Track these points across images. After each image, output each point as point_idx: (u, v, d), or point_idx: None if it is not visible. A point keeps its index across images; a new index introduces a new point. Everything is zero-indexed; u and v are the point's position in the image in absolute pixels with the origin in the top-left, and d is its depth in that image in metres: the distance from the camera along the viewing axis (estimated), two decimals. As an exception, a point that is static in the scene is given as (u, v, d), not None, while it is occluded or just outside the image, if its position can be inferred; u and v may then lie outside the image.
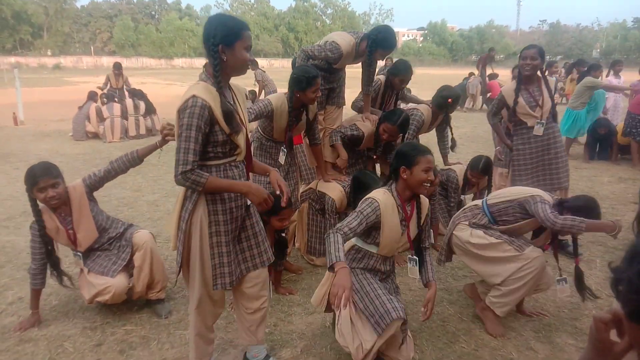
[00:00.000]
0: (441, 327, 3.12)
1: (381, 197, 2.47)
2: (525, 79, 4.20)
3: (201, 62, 55.41)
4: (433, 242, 4.28)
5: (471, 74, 16.27)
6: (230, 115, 2.17)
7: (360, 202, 2.50)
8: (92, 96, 10.47)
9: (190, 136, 2.09)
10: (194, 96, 2.10)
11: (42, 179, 2.96)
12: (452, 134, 4.70)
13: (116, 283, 3.08)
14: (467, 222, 3.17)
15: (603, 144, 8.12)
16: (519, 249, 2.91)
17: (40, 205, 3.05)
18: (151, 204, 5.73)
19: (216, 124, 2.14)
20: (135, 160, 3.23)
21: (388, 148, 4.22)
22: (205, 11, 75.00)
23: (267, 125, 3.58)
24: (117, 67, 11.41)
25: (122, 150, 8.67)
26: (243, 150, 2.31)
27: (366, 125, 4.04)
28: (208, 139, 2.18)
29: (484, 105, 15.17)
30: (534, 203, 2.89)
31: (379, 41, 3.84)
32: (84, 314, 3.27)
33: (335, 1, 70.43)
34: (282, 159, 3.66)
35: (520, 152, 4.35)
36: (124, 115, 10.11)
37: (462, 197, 4.54)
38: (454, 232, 3.20)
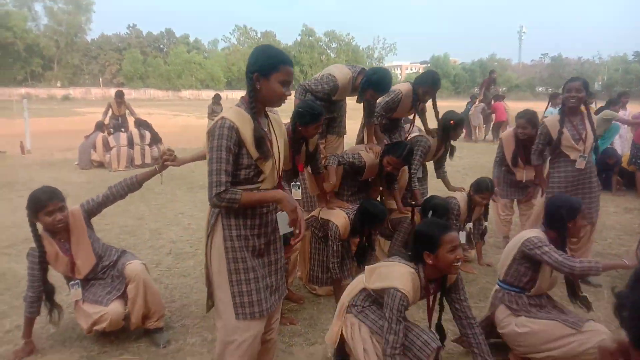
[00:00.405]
0: None
1: (409, 286, 2.35)
2: (569, 111, 4.11)
3: (208, 94, 55.90)
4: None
5: (473, 96, 16.43)
6: (261, 140, 2.15)
7: (390, 296, 2.34)
8: (99, 126, 10.61)
9: (221, 157, 2.08)
10: (222, 118, 2.11)
11: (51, 202, 2.96)
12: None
13: (111, 310, 3.04)
14: (504, 309, 2.91)
15: (608, 174, 8.10)
16: (574, 326, 2.62)
17: (40, 231, 3.03)
18: (153, 231, 5.71)
19: (243, 146, 2.13)
20: (134, 185, 3.26)
21: (390, 178, 4.19)
22: (213, 45, 76.44)
23: None
24: (119, 95, 11.50)
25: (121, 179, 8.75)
26: (268, 178, 2.24)
27: (369, 156, 4.02)
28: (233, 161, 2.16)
29: (488, 135, 15.24)
30: (533, 251, 2.76)
31: (373, 82, 3.83)
32: (81, 343, 3.21)
33: (340, 35, 71.70)
34: (297, 194, 3.70)
35: (555, 184, 4.22)
36: (130, 144, 10.21)
37: (467, 224, 4.56)
38: (500, 331, 2.91)
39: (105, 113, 11.40)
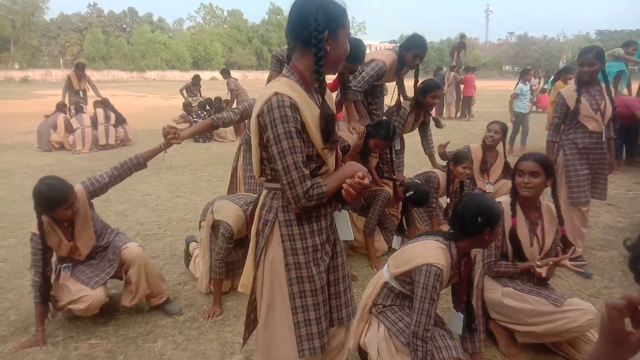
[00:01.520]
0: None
1: (443, 261, 2.24)
2: (586, 83, 3.93)
3: (174, 74, 54.59)
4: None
5: (437, 69, 16.56)
6: (330, 122, 1.73)
7: (422, 274, 2.21)
8: (60, 107, 10.18)
9: (295, 146, 1.65)
10: (276, 94, 1.64)
11: (68, 196, 2.83)
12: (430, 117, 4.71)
13: (94, 294, 2.95)
14: (489, 280, 2.87)
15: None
16: (555, 302, 2.58)
17: (44, 218, 2.87)
18: (120, 213, 5.52)
19: (305, 132, 1.69)
20: (142, 164, 3.20)
21: (365, 152, 4.10)
22: (178, 24, 74.55)
23: None
24: (80, 67, 10.94)
25: (90, 161, 8.50)
26: (330, 170, 1.82)
27: (353, 138, 3.82)
28: None
29: (458, 114, 15.34)
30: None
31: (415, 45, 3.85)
32: (45, 328, 3.07)
33: (308, 14, 70.97)
34: None
35: (568, 154, 4.02)
36: (94, 125, 9.83)
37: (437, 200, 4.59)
38: (486, 295, 2.87)
39: (66, 88, 10.85)
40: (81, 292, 2.95)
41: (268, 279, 1.86)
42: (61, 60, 58.36)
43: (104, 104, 10.33)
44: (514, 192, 2.82)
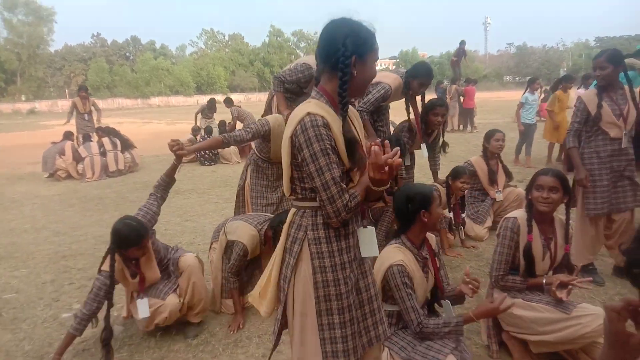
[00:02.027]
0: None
1: (402, 257, 2.33)
2: (606, 88, 3.76)
3: (177, 100, 54.91)
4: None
5: (438, 82, 16.68)
6: (354, 144, 1.77)
7: (387, 274, 2.31)
8: (67, 136, 10.31)
9: (331, 162, 1.69)
10: (309, 114, 1.70)
11: (144, 239, 2.96)
12: (443, 137, 4.76)
13: (168, 302, 3.14)
14: (498, 292, 2.85)
15: None
16: (565, 310, 2.57)
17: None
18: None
19: (336, 151, 1.74)
20: (172, 182, 3.35)
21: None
22: (181, 50, 75.50)
23: (263, 146, 3.62)
24: (84, 88, 11.09)
25: (98, 189, 8.57)
26: (356, 187, 1.85)
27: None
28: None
29: (461, 126, 15.37)
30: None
31: (418, 74, 3.93)
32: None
33: (308, 34, 71.64)
34: None
35: (589, 164, 3.84)
36: (103, 152, 9.91)
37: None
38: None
39: (71, 113, 11.01)
40: (155, 304, 3.12)
41: (300, 297, 1.87)
42: (67, 90, 59.12)
43: (108, 132, 10.45)
44: (530, 207, 2.79)
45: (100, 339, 2.86)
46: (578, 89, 9.41)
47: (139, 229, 2.94)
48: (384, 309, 2.36)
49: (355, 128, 1.88)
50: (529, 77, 12.20)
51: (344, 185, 1.73)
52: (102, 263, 2.98)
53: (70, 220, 6.53)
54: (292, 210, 1.94)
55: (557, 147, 9.03)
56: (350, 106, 1.87)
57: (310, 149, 1.68)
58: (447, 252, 4.53)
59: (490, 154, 5.06)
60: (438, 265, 2.53)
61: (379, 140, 1.83)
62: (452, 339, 2.36)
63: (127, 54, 69.37)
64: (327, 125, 1.70)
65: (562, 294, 2.59)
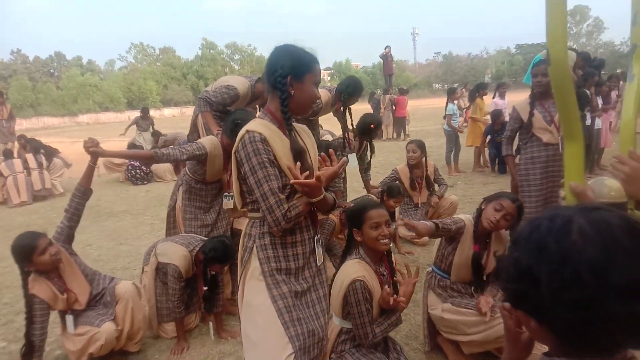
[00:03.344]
0: None
1: (362, 271, 2.32)
2: (539, 95, 3.97)
3: (107, 116, 52.64)
4: None
5: (371, 93, 17.28)
6: (301, 154, 1.94)
7: (348, 290, 2.28)
8: None
9: (269, 174, 1.84)
10: (247, 132, 1.86)
11: (39, 240, 2.87)
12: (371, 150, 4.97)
13: (104, 329, 2.99)
14: (433, 295, 3.01)
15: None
16: (492, 313, 2.69)
17: (33, 277, 2.91)
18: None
19: (275, 164, 1.89)
20: (87, 193, 3.21)
21: None
22: (110, 65, 72.98)
23: (197, 168, 3.58)
24: (0, 94, 10.45)
25: (24, 216, 8.12)
26: (303, 197, 1.96)
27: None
28: None
29: (394, 135, 15.83)
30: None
31: (350, 93, 4.12)
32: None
33: (242, 47, 71.36)
34: (229, 204, 3.71)
35: (526, 169, 4.03)
36: (27, 170, 9.26)
37: None
38: (430, 312, 3.00)
39: None
40: (90, 332, 3.00)
41: (246, 303, 2.02)
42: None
43: (30, 142, 9.84)
44: (478, 218, 2.84)
45: (20, 354, 2.85)
46: (493, 98, 9.92)
47: (30, 232, 2.95)
48: (344, 326, 2.40)
49: (303, 140, 2.05)
50: (448, 87, 12.76)
51: (282, 196, 1.86)
52: (26, 289, 2.89)
53: (-7, 251, 6.14)
54: (247, 222, 2.09)
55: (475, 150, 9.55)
56: (300, 125, 2.11)
57: (249, 163, 1.84)
58: (405, 265, 4.68)
59: (409, 164, 5.37)
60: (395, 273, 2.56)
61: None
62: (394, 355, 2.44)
63: (52, 71, 66.16)
64: (264, 141, 1.85)
65: (485, 308, 2.71)
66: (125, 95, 58.18)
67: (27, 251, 2.85)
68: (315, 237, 2.10)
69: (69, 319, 3.06)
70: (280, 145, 1.90)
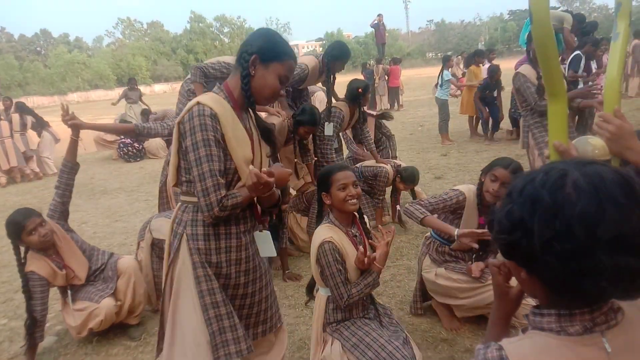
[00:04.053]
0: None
1: (331, 233, 2.32)
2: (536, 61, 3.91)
3: (97, 94, 52.01)
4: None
5: (364, 63, 17.16)
6: (268, 132, 1.85)
7: (318, 253, 2.29)
8: None
9: (212, 154, 1.69)
10: (198, 103, 1.71)
11: (29, 221, 2.88)
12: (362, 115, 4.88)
13: (103, 305, 3.05)
14: (428, 259, 3.03)
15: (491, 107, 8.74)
16: (480, 278, 2.76)
17: (31, 253, 2.95)
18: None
19: (224, 144, 1.75)
20: (74, 167, 3.18)
21: (303, 149, 4.40)
22: (97, 42, 71.83)
23: None
24: None
25: (18, 196, 8.11)
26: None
27: (278, 118, 4.07)
28: None
29: (389, 105, 15.76)
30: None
31: (335, 55, 4.11)
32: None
33: (231, 19, 70.25)
34: None
35: (538, 135, 3.99)
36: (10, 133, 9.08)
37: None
38: (423, 274, 3.04)
39: None
40: (89, 308, 3.04)
41: (175, 293, 1.89)
42: (-28, 91, 54.69)
43: (19, 108, 9.64)
44: (480, 190, 2.82)
45: (25, 328, 2.90)
46: (483, 65, 9.82)
47: (24, 210, 2.97)
48: (329, 294, 2.39)
49: (253, 127, 1.93)
50: (442, 55, 12.56)
51: (222, 180, 1.71)
52: (22, 266, 2.91)
53: (-11, 232, 6.16)
54: (177, 205, 1.96)
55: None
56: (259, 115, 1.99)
57: (193, 138, 1.69)
58: (381, 229, 4.69)
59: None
60: (370, 236, 2.52)
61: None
62: (392, 330, 2.44)
63: (38, 49, 65.14)
64: (214, 117, 1.70)
65: (476, 272, 2.77)
66: (114, 72, 57.45)
67: (16, 230, 2.88)
68: (256, 232, 1.98)
69: (66, 296, 3.12)
70: (231, 125, 1.76)
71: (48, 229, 2.95)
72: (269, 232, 1.98)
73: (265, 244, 1.98)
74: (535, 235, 0.79)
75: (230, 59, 3.97)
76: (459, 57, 17.47)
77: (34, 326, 2.90)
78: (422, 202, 2.86)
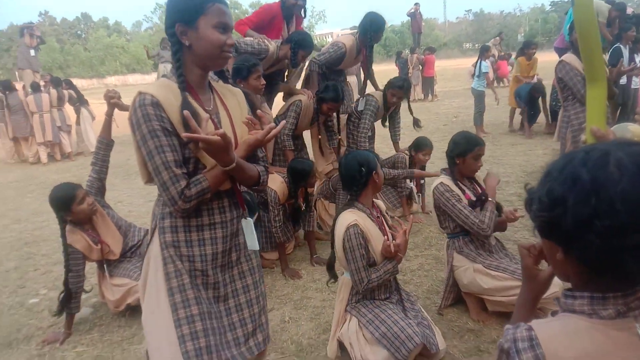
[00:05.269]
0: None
1: (356, 217, 2.36)
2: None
3: (135, 78, 52.86)
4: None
5: (398, 53, 16.98)
6: (192, 118, 1.53)
7: (344, 237, 2.33)
8: (6, 86, 9.56)
9: (162, 145, 1.54)
10: (139, 93, 1.56)
11: (78, 190, 3.02)
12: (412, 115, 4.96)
13: None
14: (458, 256, 2.98)
15: (536, 111, 8.51)
16: (520, 277, 2.69)
17: (69, 227, 3.05)
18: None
19: (175, 132, 1.58)
20: (109, 144, 3.29)
21: (330, 131, 4.50)
22: (136, 26, 73.07)
23: None
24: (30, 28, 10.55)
25: (57, 174, 8.39)
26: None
27: (304, 97, 4.13)
28: None
29: (422, 95, 15.55)
30: (441, 201, 2.91)
31: (300, 42, 4.01)
32: (29, 343, 3.10)
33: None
34: None
35: (578, 129, 3.87)
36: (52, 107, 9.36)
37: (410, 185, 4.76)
38: (456, 272, 2.98)
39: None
40: (128, 284, 3.14)
41: (148, 289, 1.74)
42: (16, 72, 56.58)
43: (56, 83, 9.83)
44: (454, 175, 2.94)
45: (58, 300, 3.02)
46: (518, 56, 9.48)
47: (67, 183, 3.11)
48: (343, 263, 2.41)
49: (223, 102, 1.75)
50: (480, 45, 12.24)
51: (178, 171, 1.56)
52: (64, 238, 3.02)
53: (30, 207, 6.41)
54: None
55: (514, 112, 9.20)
56: (229, 86, 1.85)
57: (139, 131, 1.55)
58: (409, 218, 4.67)
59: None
60: (389, 224, 2.60)
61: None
62: (413, 316, 2.47)
63: (79, 32, 66.68)
64: (156, 105, 1.54)
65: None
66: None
67: (66, 200, 2.97)
68: (244, 217, 1.81)
69: (103, 270, 3.24)
70: (177, 110, 1.57)
71: (93, 199, 3.10)
72: (251, 220, 1.82)
73: (248, 234, 1.82)
74: (576, 213, 0.79)
75: (262, 38, 4.02)
76: (497, 37, 17.17)
77: (67, 298, 3.01)
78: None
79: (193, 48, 1.60)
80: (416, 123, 4.95)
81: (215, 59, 1.64)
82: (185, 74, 1.64)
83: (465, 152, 2.85)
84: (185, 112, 1.51)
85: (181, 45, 1.60)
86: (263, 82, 3.45)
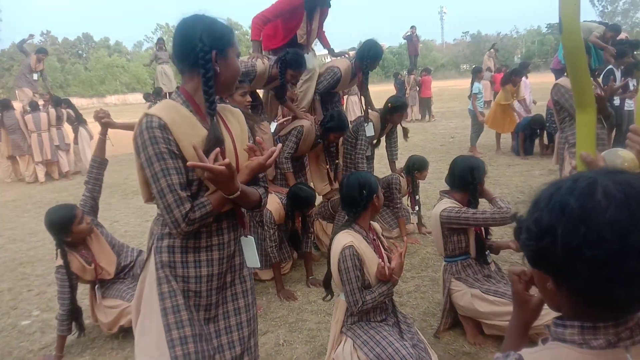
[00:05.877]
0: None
1: (352, 238, 2.37)
2: None
3: (135, 97, 53.10)
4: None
5: (395, 74, 17.13)
6: (214, 145, 1.57)
7: (339, 258, 2.34)
8: (5, 105, 9.64)
9: (168, 167, 1.55)
10: (146, 115, 1.57)
11: (76, 210, 3.02)
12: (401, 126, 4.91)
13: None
14: (455, 281, 3.00)
15: (533, 138, 8.58)
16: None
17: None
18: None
19: (181, 155, 1.59)
20: (103, 163, 3.28)
21: (331, 155, 4.49)
22: (137, 46, 73.72)
23: None
24: (43, 51, 10.71)
25: (54, 193, 8.38)
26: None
27: (306, 121, 4.13)
28: None
29: (420, 116, 15.64)
30: (453, 220, 2.91)
31: (288, 62, 3.96)
32: (20, 365, 3.06)
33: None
34: None
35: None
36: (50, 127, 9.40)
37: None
38: (453, 296, 2.99)
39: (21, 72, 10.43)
40: (121, 306, 3.10)
41: (143, 308, 1.75)
42: (17, 91, 56.87)
43: (56, 102, 9.89)
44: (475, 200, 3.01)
45: (70, 318, 3.02)
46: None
47: (65, 204, 3.12)
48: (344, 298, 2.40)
49: (228, 127, 1.76)
50: (473, 66, 12.38)
51: (183, 194, 1.57)
52: (65, 259, 3.00)
53: (26, 227, 6.38)
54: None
55: (504, 136, 9.21)
56: (229, 106, 1.86)
57: (145, 153, 1.56)
58: (406, 239, 4.65)
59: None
60: (385, 246, 2.59)
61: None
62: (409, 338, 2.43)
63: (80, 52, 67.19)
64: (163, 127, 1.55)
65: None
66: (151, 76, 58.49)
67: (66, 222, 2.95)
68: (242, 238, 1.84)
69: (98, 292, 3.20)
70: (188, 133, 1.59)
71: (90, 218, 3.12)
72: (252, 238, 1.85)
73: (248, 252, 1.85)
74: (565, 242, 0.78)
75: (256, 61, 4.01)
76: (492, 49, 17.38)
77: (76, 314, 3.04)
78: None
79: (220, 75, 1.65)
80: (405, 134, 4.98)
81: (233, 85, 1.75)
82: (194, 97, 1.68)
83: (481, 179, 2.97)
84: (193, 143, 1.54)
85: (214, 71, 1.62)
86: (249, 99, 3.55)
